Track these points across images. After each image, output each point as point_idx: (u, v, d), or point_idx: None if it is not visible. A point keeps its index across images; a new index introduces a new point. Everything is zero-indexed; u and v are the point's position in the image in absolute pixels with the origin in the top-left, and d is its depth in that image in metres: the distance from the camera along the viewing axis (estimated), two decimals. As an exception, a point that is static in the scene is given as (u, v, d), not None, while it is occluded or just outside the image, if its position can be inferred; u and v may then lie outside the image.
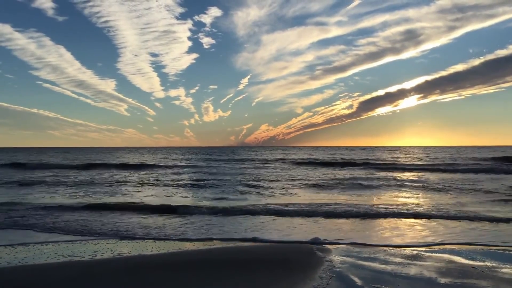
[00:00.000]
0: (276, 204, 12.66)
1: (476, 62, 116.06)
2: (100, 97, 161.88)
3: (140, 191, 17.67)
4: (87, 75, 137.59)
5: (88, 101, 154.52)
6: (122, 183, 21.28)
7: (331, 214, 10.94)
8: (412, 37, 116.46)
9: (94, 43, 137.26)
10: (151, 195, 16.01)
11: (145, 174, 28.09)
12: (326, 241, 7.71)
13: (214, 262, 6.31)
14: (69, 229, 9.22)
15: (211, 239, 8.12)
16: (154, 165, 37.12)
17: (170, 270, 5.82)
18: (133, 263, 6.27)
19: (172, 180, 22.59)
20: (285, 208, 11.82)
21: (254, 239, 8.00)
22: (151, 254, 6.97)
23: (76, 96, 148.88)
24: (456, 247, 7.26)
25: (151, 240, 8.07)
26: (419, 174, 25.99)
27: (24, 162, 40.13)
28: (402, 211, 11.25)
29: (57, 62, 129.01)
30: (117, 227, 9.46)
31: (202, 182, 20.78)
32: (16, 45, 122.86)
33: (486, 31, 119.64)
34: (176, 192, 17.08)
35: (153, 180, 23.02)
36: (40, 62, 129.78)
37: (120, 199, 14.74)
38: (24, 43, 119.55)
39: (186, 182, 21.22)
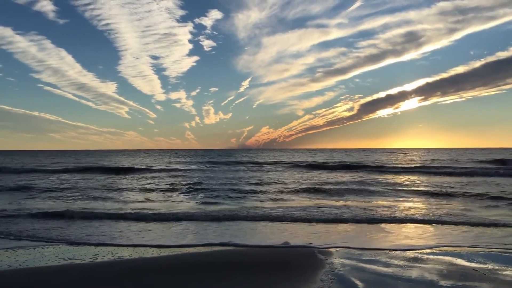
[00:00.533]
0: (263, 208, 12.67)
1: (477, 64, 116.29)
2: (101, 100, 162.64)
3: (124, 196, 17.26)
4: (88, 78, 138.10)
5: (89, 103, 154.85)
6: (101, 188, 19.95)
7: (320, 219, 10.79)
8: (413, 39, 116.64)
9: (95, 46, 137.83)
10: (128, 201, 15.26)
11: (133, 177, 27.15)
12: (299, 245, 7.64)
13: (215, 265, 6.30)
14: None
15: (185, 246, 7.84)
16: (143, 168, 35.20)
17: (171, 273, 5.80)
18: (134, 266, 6.26)
19: (156, 184, 21.74)
20: (271, 212, 11.78)
21: (228, 244, 7.86)
22: (151, 257, 6.96)
23: (77, 99, 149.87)
24: (457, 249, 7.23)
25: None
26: (415, 177, 25.71)
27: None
28: (396, 215, 11.21)
29: (58, 65, 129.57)
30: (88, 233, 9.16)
31: (186, 187, 19.76)
32: (17, 48, 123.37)
33: (487, 33, 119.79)
34: (158, 197, 16.45)
35: (136, 184, 22.22)
36: (41, 65, 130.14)
37: (92, 205, 13.95)
38: (25, 46, 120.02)
39: (172, 186, 20.21)
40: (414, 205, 13.33)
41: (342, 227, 9.69)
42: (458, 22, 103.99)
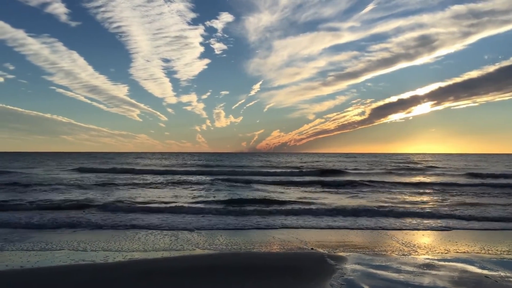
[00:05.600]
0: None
1: (491, 68, 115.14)
2: (113, 103, 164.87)
3: None
4: (100, 80, 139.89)
5: (101, 106, 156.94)
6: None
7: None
8: (426, 43, 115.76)
9: (106, 49, 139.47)
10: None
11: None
12: (309, 250, 7.63)
13: (225, 267, 6.30)
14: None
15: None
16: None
17: (181, 275, 5.83)
18: (144, 268, 6.29)
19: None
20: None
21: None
22: (162, 257, 7.00)
23: (89, 101, 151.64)
24: (468, 256, 7.17)
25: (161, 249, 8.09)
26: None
27: None
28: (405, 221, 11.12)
29: (70, 67, 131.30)
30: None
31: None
32: (29, 50, 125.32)
33: (501, 37, 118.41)
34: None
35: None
36: (53, 67, 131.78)
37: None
38: (37, 48, 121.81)
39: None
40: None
41: (353, 233, 9.66)
42: (472, 25, 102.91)
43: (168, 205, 13.62)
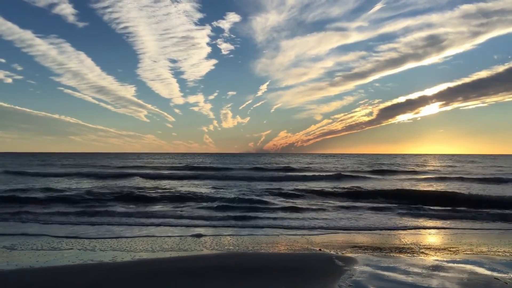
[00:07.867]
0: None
1: (501, 68, 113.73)
2: (120, 103, 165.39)
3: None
4: (108, 81, 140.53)
5: (109, 107, 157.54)
6: None
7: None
8: (434, 42, 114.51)
9: (114, 49, 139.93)
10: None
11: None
12: (317, 251, 7.59)
13: (232, 268, 6.31)
14: None
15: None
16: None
17: (189, 276, 5.84)
18: (152, 268, 6.31)
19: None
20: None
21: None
22: (169, 257, 7.03)
23: (96, 102, 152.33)
24: (478, 257, 7.10)
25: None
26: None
27: None
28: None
29: (78, 68, 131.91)
30: None
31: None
32: (37, 51, 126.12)
33: (511, 36, 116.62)
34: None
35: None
36: (61, 68, 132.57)
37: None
38: (45, 49, 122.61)
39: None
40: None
41: (360, 234, 9.63)
42: (482, 25, 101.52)
43: None
